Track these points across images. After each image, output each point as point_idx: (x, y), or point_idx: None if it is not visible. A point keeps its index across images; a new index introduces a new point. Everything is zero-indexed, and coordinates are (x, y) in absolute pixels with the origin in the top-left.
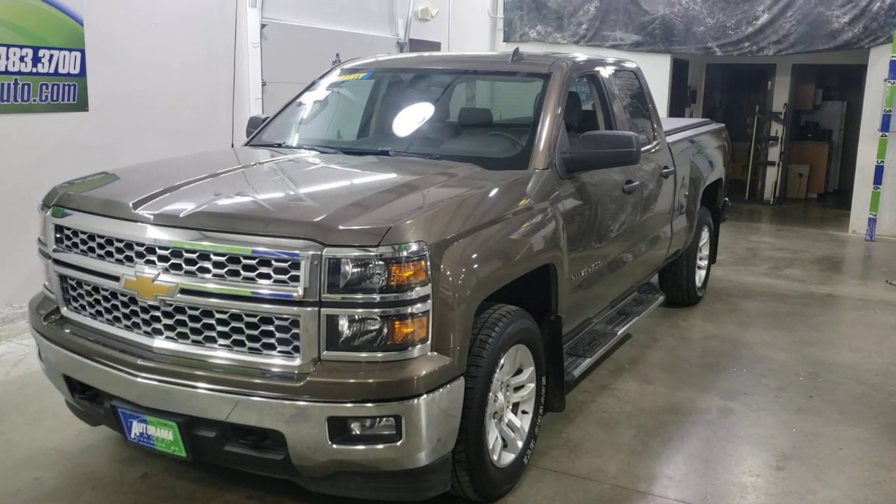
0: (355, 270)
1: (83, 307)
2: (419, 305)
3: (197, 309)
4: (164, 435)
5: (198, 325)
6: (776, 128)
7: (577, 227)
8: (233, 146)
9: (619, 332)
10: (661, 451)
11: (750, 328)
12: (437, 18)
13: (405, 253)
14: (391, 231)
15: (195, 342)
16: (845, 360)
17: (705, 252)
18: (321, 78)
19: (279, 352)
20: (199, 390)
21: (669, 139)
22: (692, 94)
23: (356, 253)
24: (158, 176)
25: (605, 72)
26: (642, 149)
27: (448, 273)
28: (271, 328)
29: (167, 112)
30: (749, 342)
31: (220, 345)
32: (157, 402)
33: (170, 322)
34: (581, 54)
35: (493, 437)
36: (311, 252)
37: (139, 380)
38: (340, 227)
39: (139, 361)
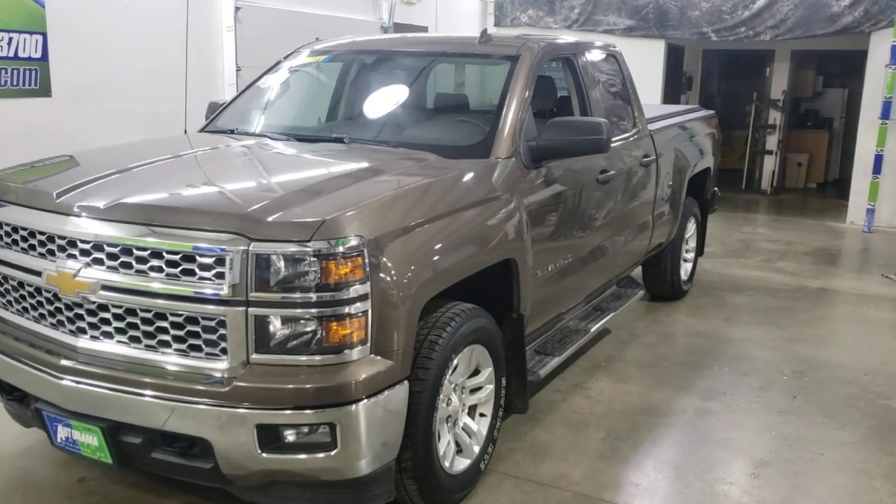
0: (286, 267)
1: (10, 304)
2: (357, 305)
3: (120, 307)
4: (89, 440)
5: (121, 325)
6: (774, 115)
7: (544, 220)
8: (185, 132)
9: (592, 329)
10: (631, 455)
11: (736, 324)
12: (424, 2)
13: (341, 248)
14: (325, 224)
15: (119, 342)
16: (834, 359)
17: (692, 244)
18: (283, 60)
19: (206, 354)
20: (122, 394)
21: (653, 126)
22: (688, 80)
23: (286, 248)
24: (91, 164)
25: (582, 55)
26: (622, 136)
27: (391, 270)
28: (197, 328)
29: (136, 98)
30: (734, 339)
31: (145, 345)
32: (80, 406)
33: (93, 320)
34: (558, 36)
35: (444, 442)
36: (238, 247)
37: (63, 382)
38: (269, 220)
39: (62, 362)
